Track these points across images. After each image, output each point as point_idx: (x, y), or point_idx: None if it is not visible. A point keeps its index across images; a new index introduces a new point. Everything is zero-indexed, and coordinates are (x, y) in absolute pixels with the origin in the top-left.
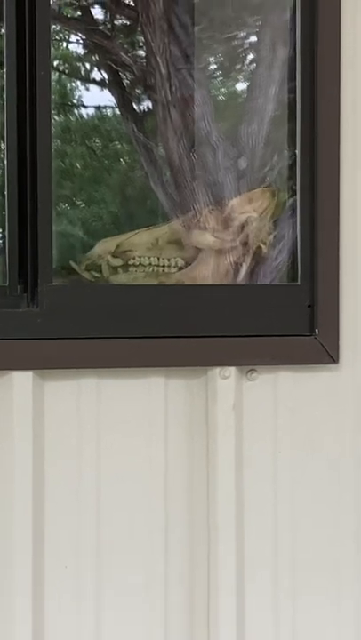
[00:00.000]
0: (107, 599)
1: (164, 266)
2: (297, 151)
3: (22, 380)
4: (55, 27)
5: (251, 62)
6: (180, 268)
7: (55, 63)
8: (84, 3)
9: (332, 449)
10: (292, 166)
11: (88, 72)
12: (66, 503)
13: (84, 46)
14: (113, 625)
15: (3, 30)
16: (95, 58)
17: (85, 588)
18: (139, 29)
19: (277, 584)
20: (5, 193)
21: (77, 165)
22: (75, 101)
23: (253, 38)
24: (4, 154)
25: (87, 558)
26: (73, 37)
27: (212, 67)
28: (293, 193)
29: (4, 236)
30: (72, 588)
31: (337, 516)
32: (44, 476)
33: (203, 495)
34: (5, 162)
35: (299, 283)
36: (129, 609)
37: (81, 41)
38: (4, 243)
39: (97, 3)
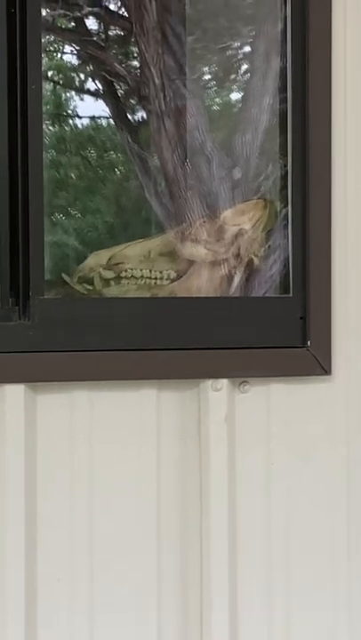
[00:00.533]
0: (99, 612)
1: (156, 278)
2: (288, 162)
3: (14, 393)
4: (49, 37)
5: (245, 72)
6: (173, 280)
7: (49, 74)
8: (78, 14)
9: (325, 460)
10: (285, 176)
11: (82, 82)
12: (58, 516)
13: (79, 57)
14: (106, 638)
15: None
16: (89, 68)
17: (78, 600)
18: (133, 40)
19: (271, 596)
20: None
21: (72, 175)
22: (69, 112)
23: (247, 48)
24: None
25: (80, 570)
26: (67, 48)
27: (207, 77)
28: (288, 203)
29: None
30: (65, 601)
31: (331, 526)
32: (36, 489)
33: (196, 507)
34: None
35: (291, 294)
36: (121, 622)
37: (75, 52)
38: None
39: (91, 14)
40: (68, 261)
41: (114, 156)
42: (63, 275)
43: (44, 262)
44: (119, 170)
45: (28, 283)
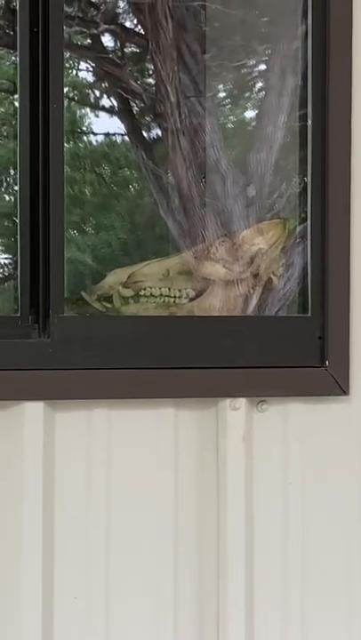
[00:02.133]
0: (116, 630)
1: (175, 296)
2: (308, 179)
3: (33, 411)
4: (65, 54)
5: (260, 90)
6: (192, 299)
7: (65, 90)
8: (95, 31)
9: (342, 480)
10: (301, 194)
11: (98, 99)
12: (76, 533)
13: (94, 74)
14: None
15: (16, 59)
16: (105, 85)
17: (95, 618)
18: (148, 57)
19: (288, 617)
20: (18, 222)
21: (87, 192)
22: (84, 128)
23: (263, 66)
24: (16, 182)
25: (97, 589)
26: (83, 65)
27: (222, 94)
28: (302, 220)
29: (15, 266)
30: (81, 619)
31: (347, 545)
32: (53, 506)
33: (213, 525)
34: (18, 192)
35: (309, 314)
36: (138, 637)
37: (91, 68)
38: (15, 273)
39: (107, 31)
40: (81, 278)
41: (128, 173)
42: (83, 293)
43: (64, 280)
44: (133, 187)
45: (48, 300)
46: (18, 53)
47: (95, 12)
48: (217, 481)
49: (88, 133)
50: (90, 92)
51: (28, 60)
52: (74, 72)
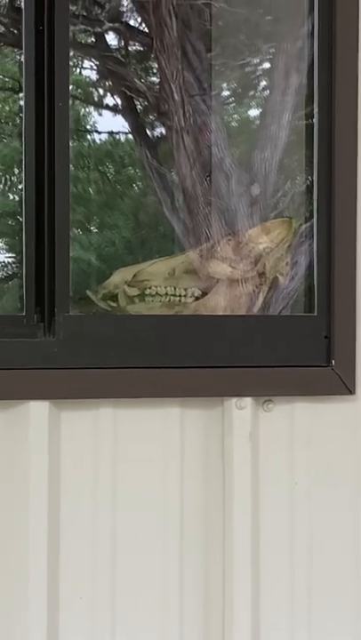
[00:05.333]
0: (121, 630)
1: (180, 295)
2: (314, 178)
3: (38, 410)
4: (70, 53)
5: (264, 89)
6: (197, 298)
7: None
8: (99, 29)
9: (349, 480)
10: (305, 193)
11: (102, 98)
12: (81, 533)
13: (98, 72)
14: None
15: (21, 57)
16: (109, 84)
17: (100, 619)
18: (153, 56)
19: (294, 619)
20: (23, 221)
21: (90, 191)
22: (88, 127)
23: (267, 65)
24: (21, 181)
25: (102, 590)
26: (87, 63)
27: (226, 93)
28: (306, 219)
29: (20, 266)
30: (87, 620)
31: (355, 547)
32: (59, 506)
33: (219, 525)
34: (23, 190)
35: (315, 314)
36: (143, 638)
37: (95, 67)
38: (20, 271)
39: (111, 29)
40: (84, 277)
41: (132, 171)
42: (88, 292)
43: (69, 279)
44: (137, 185)
45: (54, 299)
46: (23, 52)
47: (99, 11)
48: (223, 480)
49: (92, 132)
50: (94, 90)
51: (33, 59)
52: (78, 70)
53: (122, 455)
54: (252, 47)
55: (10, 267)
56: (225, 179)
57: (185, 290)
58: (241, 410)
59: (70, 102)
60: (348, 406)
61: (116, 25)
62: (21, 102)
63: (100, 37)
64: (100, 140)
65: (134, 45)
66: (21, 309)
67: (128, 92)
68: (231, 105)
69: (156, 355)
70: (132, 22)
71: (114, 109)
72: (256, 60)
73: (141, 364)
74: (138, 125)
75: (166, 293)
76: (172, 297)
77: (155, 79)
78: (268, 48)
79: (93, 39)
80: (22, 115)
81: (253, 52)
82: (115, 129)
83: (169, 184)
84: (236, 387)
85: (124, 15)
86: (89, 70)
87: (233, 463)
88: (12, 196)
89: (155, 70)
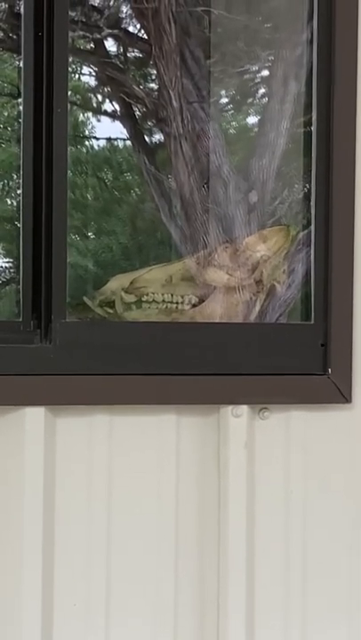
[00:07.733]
0: (115, 637)
1: (177, 303)
2: (312, 186)
3: (34, 416)
4: (69, 59)
5: (262, 96)
6: (194, 305)
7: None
8: (98, 35)
9: (344, 488)
10: (303, 200)
11: (100, 104)
12: (76, 539)
13: (97, 78)
14: None
15: (20, 63)
16: (107, 90)
17: (95, 625)
18: (151, 62)
19: (289, 623)
20: (20, 226)
21: (88, 197)
22: (86, 133)
23: (266, 72)
24: (19, 186)
25: (97, 595)
26: (85, 69)
27: (224, 100)
28: (304, 227)
29: (17, 271)
30: (81, 625)
31: (350, 556)
32: (54, 512)
33: (214, 532)
34: (21, 196)
35: (312, 322)
36: None
37: (93, 73)
38: (17, 277)
39: (110, 35)
40: (81, 283)
41: (130, 177)
42: (85, 298)
43: (66, 286)
44: (135, 192)
45: (50, 305)
46: (22, 57)
47: (98, 17)
48: (218, 488)
49: (90, 138)
50: (92, 96)
51: (32, 65)
52: (77, 76)
53: (117, 462)
54: (250, 54)
55: (7, 272)
56: (223, 186)
57: (182, 297)
58: (237, 418)
59: (69, 108)
60: (345, 415)
61: (115, 31)
62: (20, 108)
63: (99, 44)
64: (99, 146)
65: (133, 52)
66: (18, 315)
67: (127, 99)
68: (230, 112)
69: (152, 362)
70: (131, 29)
71: (112, 115)
72: (255, 68)
73: (138, 371)
74: (136, 132)
75: (163, 300)
76: (168, 304)
77: (153, 86)
78: (267, 55)
79: (92, 45)
80: (21, 120)
81: (252, 59)
82: (113, 135)
83: (167, 190)
84: (233, 394)
85: (124, 22)
86: (88, 76)
87: (228, 471)
88: (9, 202)
89: (153, 77)
